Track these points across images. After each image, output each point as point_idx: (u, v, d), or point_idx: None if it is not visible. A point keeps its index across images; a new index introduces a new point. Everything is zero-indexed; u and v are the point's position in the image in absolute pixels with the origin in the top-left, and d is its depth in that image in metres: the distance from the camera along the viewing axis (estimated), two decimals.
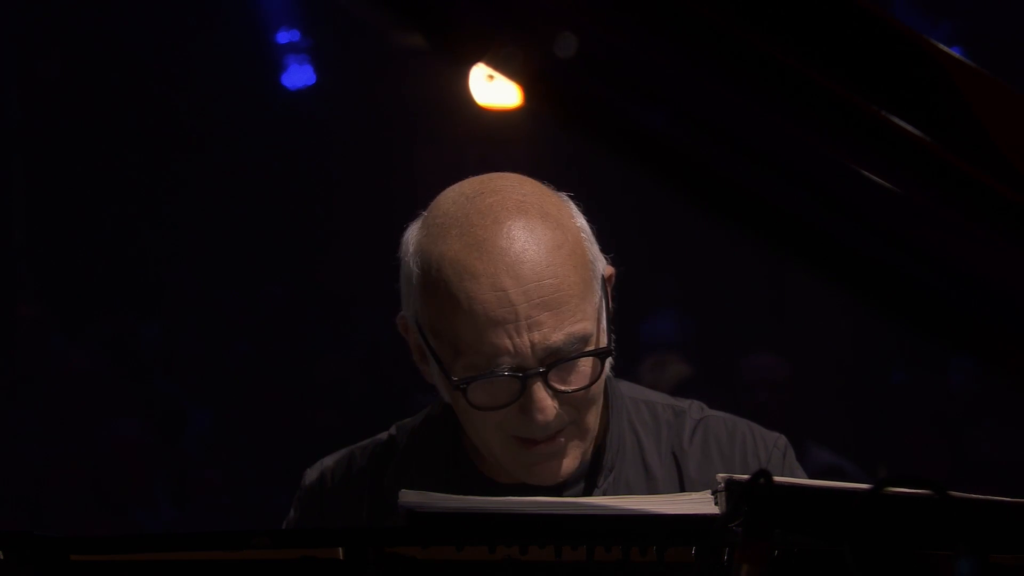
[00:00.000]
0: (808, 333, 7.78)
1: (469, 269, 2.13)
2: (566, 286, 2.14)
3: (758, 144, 1.42)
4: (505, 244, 2.14)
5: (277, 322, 8.29)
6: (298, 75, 8.78)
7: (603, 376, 2.20)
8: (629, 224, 7.50)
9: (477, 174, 2.27)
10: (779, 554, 1.77)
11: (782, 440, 2.37)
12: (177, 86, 8.51)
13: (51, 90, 8.61)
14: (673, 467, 2.32)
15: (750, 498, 1.61)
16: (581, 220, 2.24)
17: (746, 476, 1.67)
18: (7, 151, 8.65)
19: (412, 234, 2.23)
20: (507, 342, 2.12)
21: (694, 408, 2.38)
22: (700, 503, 1.86)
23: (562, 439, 2.19)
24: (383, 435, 2.41)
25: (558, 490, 2.24)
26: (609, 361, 2.21)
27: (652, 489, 2.29)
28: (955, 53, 1.41)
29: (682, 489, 2.28)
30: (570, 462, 2.21)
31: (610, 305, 2.23)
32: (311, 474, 2.41)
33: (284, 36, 8.76)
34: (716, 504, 1.83)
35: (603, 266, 2.24)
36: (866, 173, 1.41)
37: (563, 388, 2.15)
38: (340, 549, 1.78)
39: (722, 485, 1.80)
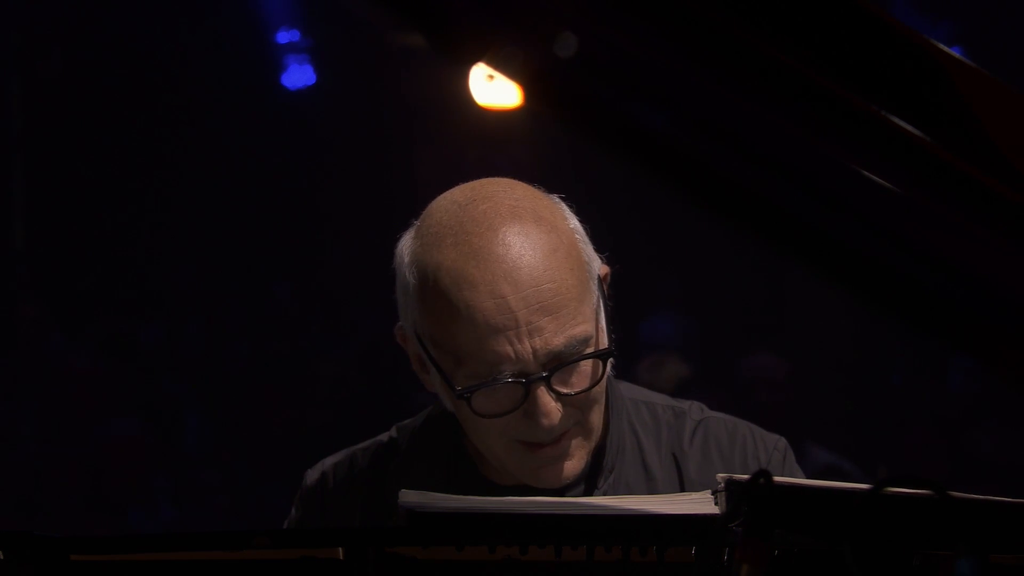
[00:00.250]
0: (808, 333, 7.78)
1: (466, 278, 2.13)
2: (564, 289, 2.14)
3: (758, 144, 1.42)
4: (501, 251, 2.14)
5: (277, 322, 8.29)
6: (298, 75, 8.78)
7: (605, 376, 2.20)
8: (629, 224, 7.51)
9: (477, 174, 2.27)
10: (779, 554, 1.77)
11: (782, 442, 2.37)
12: (177, 86, 8.51)
13: (51, 90, 8.62)
14: (673, 468, 2.32)
15: (750, 498, 1.61)
16: (574, 221, 2.24)
17: (746, 476, 1.67)
18: (7, 151, 8.65)
19: (406, 244, 2.22)
20: (508, 349, 2.12)
21: (694, 409, 2.37)
22: (700, 503, 1.86)
23: (567, 441, 2.19)
24: (384, 436, 2.41)
25: (559, 491, 2.24)
26: (611, 361, 2.21)
27: (652, 490, 2.29)
28: (955, 53, 1.41)
29: (682, 490, 2.28)
30: (575, 464, 2.21)
31: (608, 304, 2.23)
32: (312, 475, 2.41)
33: (284, 36, 8.76)
34: (716, 504, 1.83)
35: (598, 266, 2.23)
36: (866, 173, 1.41)
37: (566, 391, 2.15)
38: (340, 549, 1.78)
39: (722, 485, 1.80)
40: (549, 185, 2.28)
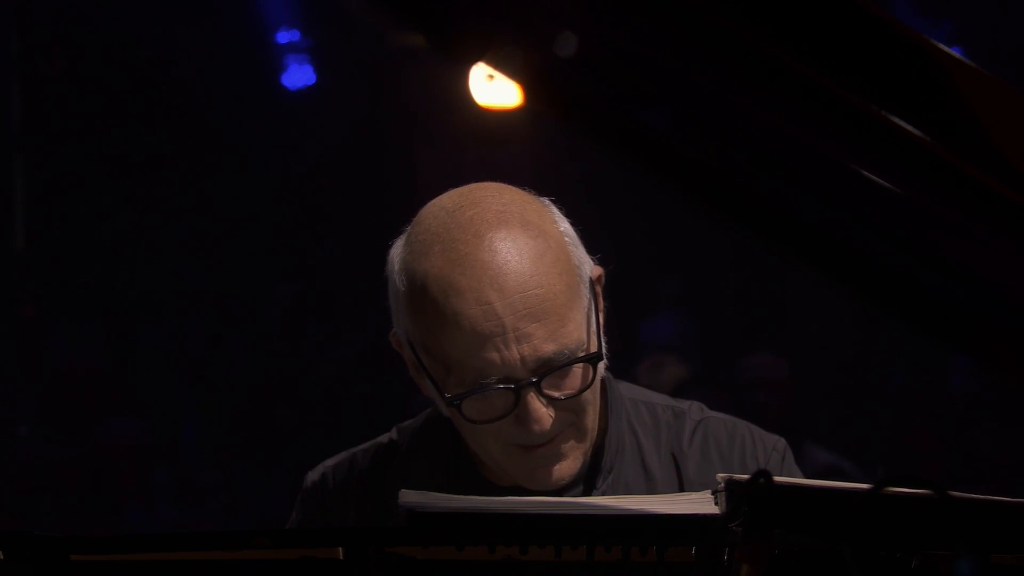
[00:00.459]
0: (808, 333, 7.77)
1: (453, 285, 2.13)
2: (552, 295, 2.14)
3: (758, 144, 1.42)
4: (487, 257, 2.13)
5: (277, 322, 8.29)
6: (298, 75, 8.78)
7: (596, 379, 2.19)
8: (629, 224, 7.51)
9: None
10: (779, 554, 1.77)
11: (781, 443, 2.37)
12: (177, 86, 8.50)
13: (51, 90, 8.61)
14: (672, 468, 2.32)
15: (750, 498, 1.61)
16: (564, 224, 2.23)
17: (746, 476, 1.67)
18: (7, 151, 8.65)
19: (397, 252, 2.22)
20: (495, 355, 2.12)
21: (694, 409, 2.37)
22: (700, 503, 1.86)
23: (561, 442, 2.19)
24: (384, 437, 2.41)
25: (558, 491, 2.24)
26: (602, 364, 2.21)
27: (651, 490, 2.29)
28: (955, 53, 1.41)
29: (681, 490, 2.28)
30: (570, 464, 2.21)
31: (601, 306, 2.23)
32: (312, 477, 2.41)
33: (284, 36, 8.76)
34: (716, 504, 1.83)
35: (590, 268, 2.23)
36: (866, 173, 1.41)
37: (557, 395, 2.15)
38: (340, 549, 1.78)
39: (722, 485, 1.80)
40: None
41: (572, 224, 2.25)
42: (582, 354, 2.16)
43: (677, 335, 7.59)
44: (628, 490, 2.28)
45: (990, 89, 1.40)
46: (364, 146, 8.59)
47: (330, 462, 2.41)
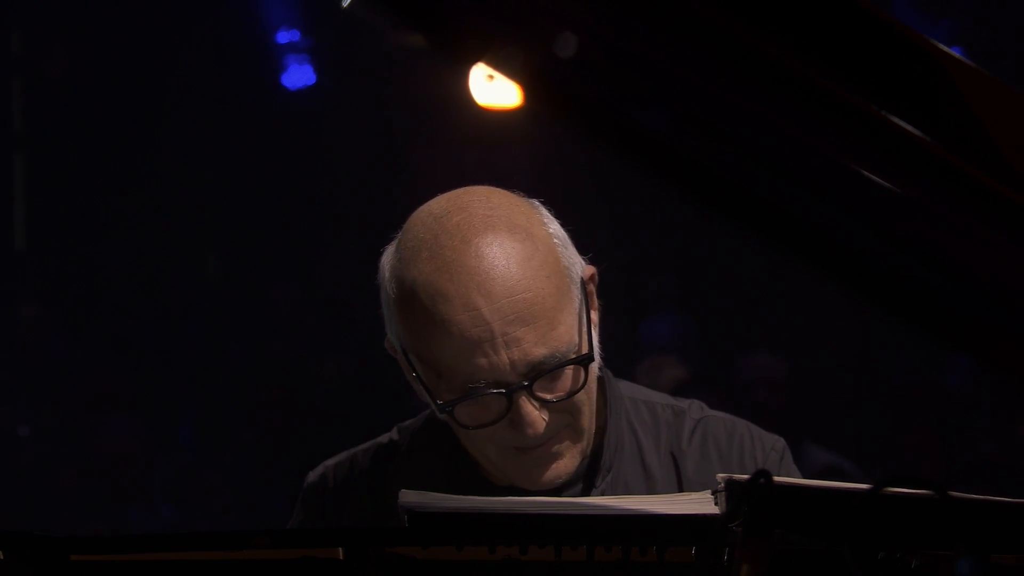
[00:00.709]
0: (808, 333, 7.77)
1: (441, 292, 2.13)
2: (540, 298, 2.13)
3: (758, 144, 1.42)
4: (474, 263, 2.13)
5: (277, 322, 8.29)
6: (298, 75, 8.77)
7: (588, 381, 2.19)
8: (629, 224, 7.51)
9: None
10: (779, 554, 1.77)
11: (780, 442, 2.37)
12: (177, 86, 8.50)
13: (51, 90, 8.61)
14: (671, 467, 2.31)
15: (750, 498, 1.61)
16: (554, 226, 2.23)
17: (746, 476, 1.67)
18: (7, 151, 8.65)
19: (387, 259, 2.23)
20: (484, 361, 2.12)
21: (694, 408, 2.37)
22: (700, 503, 1.86)
23: (557, 443, 2.19)
24: (384, 437, 2.41)
25: (556, 490, 2.24)
26: (595, 364, 2.21)
27: (650, 489, 2.29)
28: (955, 53, 1.41)
29: (680, 489, 2.28)
30: (567, 463, 2.21)
31: (595, 304, 2.23)
32: (313, 477, 2.41)
33: (284, 36, 8.75)
34: (716, 504, 1.83)
35: (581, 268, 2.22)
36: (866, 173, 1.41)
37: (549, 397, 2.15)
38: (340, 549, 1.78)
39: (722, 485, 1.80)
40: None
41: (571, 224, 2.25)
42: (573, 356, 2.16)
43: (676, 335, 7.59)
44: (627, 489, 2.28)
45: (990, 89, 1.40)
46: (364, 146, 8.59)
47: (331, 462, 2.41)
